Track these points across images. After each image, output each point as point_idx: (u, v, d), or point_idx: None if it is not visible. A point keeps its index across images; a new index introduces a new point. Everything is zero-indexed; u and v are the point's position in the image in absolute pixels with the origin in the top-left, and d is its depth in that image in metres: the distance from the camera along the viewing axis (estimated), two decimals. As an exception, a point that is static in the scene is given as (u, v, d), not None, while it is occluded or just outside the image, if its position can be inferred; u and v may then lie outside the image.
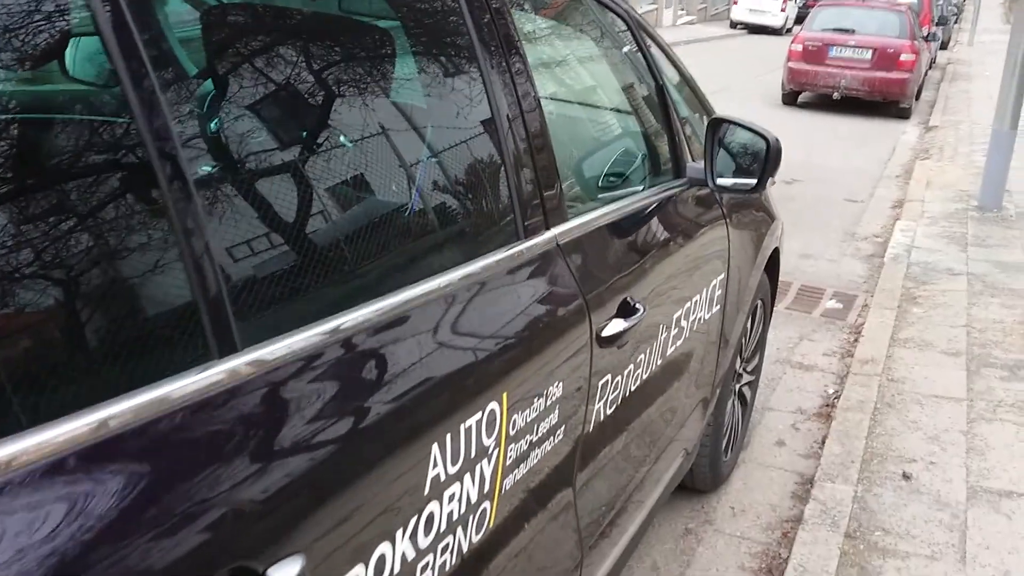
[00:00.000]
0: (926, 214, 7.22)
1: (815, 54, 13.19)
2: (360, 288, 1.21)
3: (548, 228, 1.65)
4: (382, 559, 1.13)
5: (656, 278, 2.10)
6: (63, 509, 0.77)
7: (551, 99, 2.10)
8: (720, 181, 2.38)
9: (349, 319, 1.14)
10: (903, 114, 13.19)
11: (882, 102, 13.20)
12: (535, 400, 1.50)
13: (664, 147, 2.41)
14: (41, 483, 0.77)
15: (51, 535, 0.75)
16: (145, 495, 0.84)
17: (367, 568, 1.10)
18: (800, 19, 28.93)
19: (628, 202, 2.08)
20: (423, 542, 1.22)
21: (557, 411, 1.60)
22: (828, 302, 5.47)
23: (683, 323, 2.33)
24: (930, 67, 19.55)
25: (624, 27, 2.29)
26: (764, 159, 2.36)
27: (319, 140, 1.25)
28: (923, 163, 9.49)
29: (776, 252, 3.33)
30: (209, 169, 1.05)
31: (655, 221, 2.20)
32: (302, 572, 0.95)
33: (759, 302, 3.30)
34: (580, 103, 2.35)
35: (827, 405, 4.07)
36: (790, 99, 13.77)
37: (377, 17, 1.47)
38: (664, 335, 2.18)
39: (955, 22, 33.84)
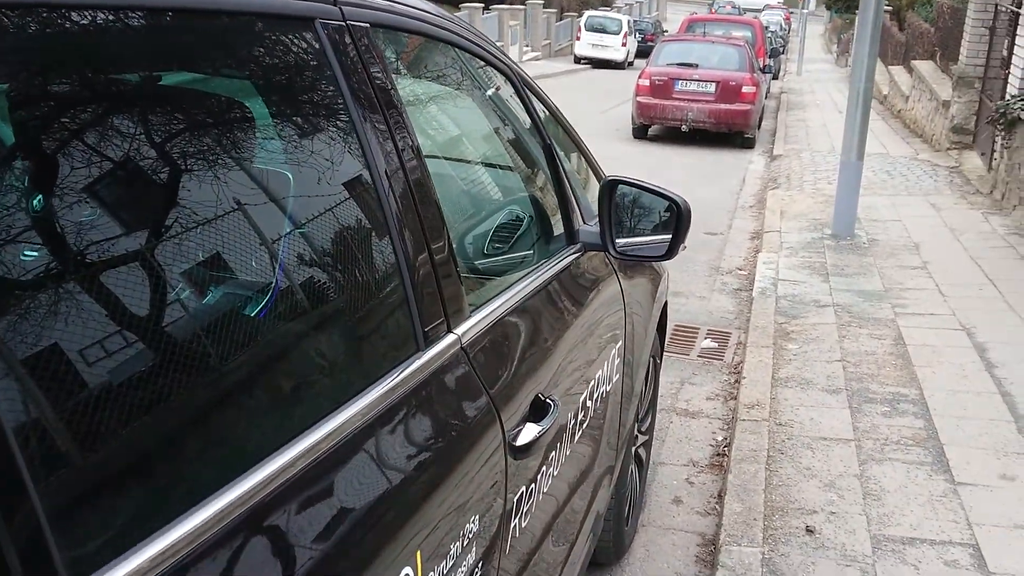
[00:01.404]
0: (785, 244, 7.36)
1: (662, 88, 13.49)
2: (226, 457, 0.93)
3: (449, 330, 1.41)
4: None
5: (563, 363, 1.88)
6: None
7: (439, 162, 1.86)
8: (621, 246, 2.19)
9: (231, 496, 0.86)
10: (748, 144, 13.64)
11: (728, 133, 13.62)
12: (452, 545, 1.24)
13: (555, 212, 2.21)
14: None
15: None
16: None
17: None
18: (641, 53, 29.90)
19: (524, 282, 1.85)
20: None
21: (474, 549, 1.34)
22: (703, 341, 5.42)
23: (588, 404, 2.12)
24: (766, 97, 20.45)
25: (510, 84, 2.08)
26: (676, 224, 2.19)
27: (165, 236, 0.96)
28: (774, 192, 9.75)
29: (665, 306, 3.19)
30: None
31: (554, 298, 1.99)
32: None
33: (651, 359, 3.14)
34: (466, 163, 2.13)
35: (718, 454, 3.96)
36: (640, 133, 14.03)
37: (238, 87, 1.19)
38: (574, 422, 1.97)
39: (782, 52, 35.76)
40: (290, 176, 1.23)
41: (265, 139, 1.20)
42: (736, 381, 4.71)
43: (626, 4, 46.30)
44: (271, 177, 1.18)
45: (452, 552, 1.24)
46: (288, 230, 1.19)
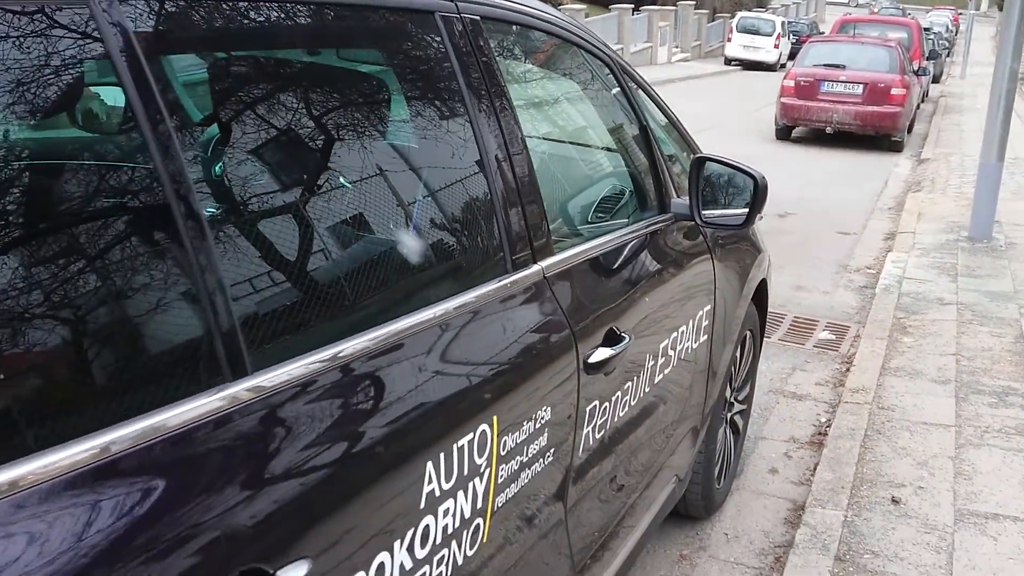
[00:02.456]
0: (917, 245, 7.34)
1: (807, 89, 13.40)
2: (360, 318, 1.32)
3: (535, 262, 1.76)
4: (381, 567, 1.22)
5: (642, 309, 2.20)
6: (86, 519, 0.87)
7: (541, 140, 2.21)
8: (706, 217, 2.49)
9: (348, 346, 1.25)
10: (895, 147, 13.37)
11: (875, 136, 13.39)
12: (524, 423, 1.59)
13: (649, 184, 2.52)
14: (72, 493, 0.87)
15: (79, 540, 0.85)
16: (172, 504, 0.94)
17: (367, 575, 1.19)
18: (793, 55, 29.36)
19: (613, 236, 2.19)
20: (420, 553, 1.31)
21: (546, 435, 1.69)
22: (821, 333, 5.56)
23: (670, 352, 2.43)
24: (922, 100, 19.82)
25: (608, 71, 2.41)
26: (752, 196, 2.47)
27: (322, 182, 1.36)
28: (915, 195, 9.63)
29: (764, 283, 3.43)
30: (220, 210, 1.16)
31: (640, 254, 2.31)
32: (308, 575, 1.05)
33: (748, 332, 3.39)
34: (568, 143, 2.47)
35: (819, 433, 4.15)
36: (784, 134, 13.96)
37: (374, 65, 1.58)
38: (651, 364, 2.28)
39: (947, 56, 34.30)
40: (415, 136, 1.62)
41: (397, 106, 1.59)
42: (847, 370, 4.85)
43: (782, 5, 45.36)
44: (403, 135, 1.57)
45: (525, 428, 1.59)
46: (421, 180, 1.59)
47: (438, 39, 1.60)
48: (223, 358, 1.05)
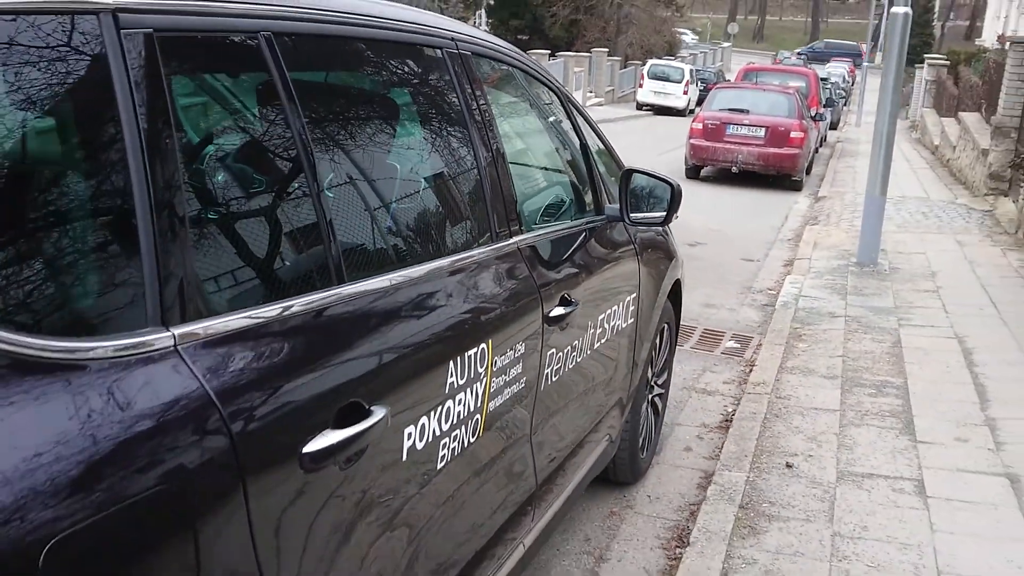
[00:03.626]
0: (812, 269, 8.15)
1: (714, 132, 14.37)
2: (413, 257, 1.88)
3: (511, 237, 2.33)
4: (423, 427, 1.75)
5: (585, 285, 2.77)
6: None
7: (510, 153, 2.79)
8: (633, 217, 3.10)
9: (413, 271, 1.81)
10: (795, 186, 14.40)
11: (776, 175, 14.41)
12: (508, 351, 2.15)
13: (588, 191, 3.12)
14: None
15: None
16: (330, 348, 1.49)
17: (416, 428, 1.72)
18: (701, 101, 30.77)
19: (562, 227, 2.77)
20: (443, 427, 1.84)
21: (521, 364, 2.24)
22: (728, 342, 6.24)
23: (605, 325, 3.01)
24: (821, 144, 21.13)
25: (557, 99, 3.02)
26: (670, 200, 3.09)
27: (376, 172, 1.92)
28: (812, 227, 10.53)
29: (678, 283, 4.05)
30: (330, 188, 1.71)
31: (583, 244, 2.90)
32: (386, 416, 1.57)
33: (665, 325, 4.01)
34: (528, 153, 3.05)
35: (726, 420, 4.78)
36: (693, 173, 14.89)
37: (401, 86, 2.15)
38: (592, 331, 2.85)
39: (844, 104, 36.32)
40: (425, 142, 2.18)
41: (417, 116, 2.16)
42: (750, 371, 5.52)
43: (690, 54, 47.34)
44: (416, 140, 2.13)
45: (508, 355, 2.14)
46: (436, 170, 2.16)
47: (443, 68, 2.17)
48: (335, 272, 1.60)
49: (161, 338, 1.21)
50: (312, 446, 1.39)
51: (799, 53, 58.72)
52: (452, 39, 2.25)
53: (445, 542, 1.98)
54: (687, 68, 32.59)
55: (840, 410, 4.69)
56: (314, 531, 1.43)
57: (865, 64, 37.08)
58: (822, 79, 29.39)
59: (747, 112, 14.52)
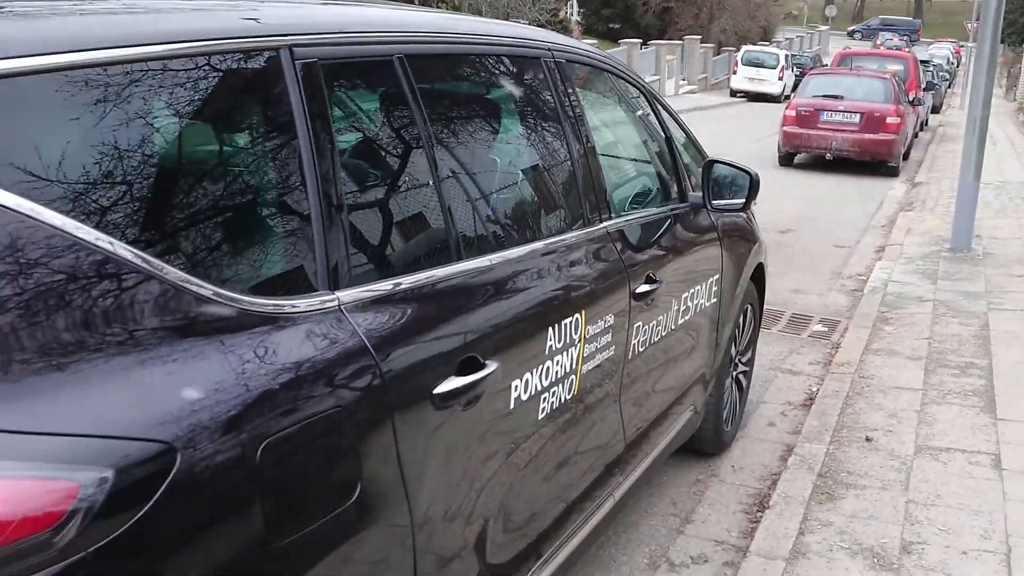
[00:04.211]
0: (904, 255, 8.20)
1: (808, 119, 14.33)
2: (515, 240, 2.23)
3: (602, 222, 2.64)
4: (527, 382, 2.08)
5: (669, 266, 3.06)
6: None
7: (600, 147, 3.09)
8: (715, 203, 3.37)
9: (508, 252, 2.14)
10: (891, 172, 14.26)
11: (871, 161, 14.28)
12: (599, 321, 2.46)
13: (672, 181, 3.40)
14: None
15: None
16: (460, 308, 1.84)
17: (521, 382, 2.05)
18: (797, 87, 30.34)
19: (649, 213, 3.07)
20: (544, 383, 2.17)
21: (611, 335, 2.55)
22: (815, 326, 6.40)
23: (689, 303, 3.29)
24: (921, 129, 20.73)
25: (643, 97, 3.31)
26: (748, 188, 3.36)
27: (489, 170, 2.27)
28: (906, 214, 10.50)
29: (760, 267, 4.28)
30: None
31: (668, 227, 3.19)
32: (497, 369, 1.90)
33: (748, 306, 4.25)
34: (617, 148, 3.34)
35: (810, 399, 4.98)
36: (786, 160, 14.87)
37: (510, 89, 2.49)
38: (675, 307, 3.14)
39: (948, 87, 35.29)
40: (528, 139, 2.51)
41: (516, 120, 2.49)
42: (835, 352, 5.69)
43: (786, 39, 46.53)
44: (521, 138, 2.47)
45: (599, 324, 2.45)
46: (539, 163, 2.49)
47: (543, 73, 2.50)
48: (455, 251, 1.94)
49: (331, 299, 1.56)
50: (440, 388, 1.73)
51: (852, 31, 56.76)
52: (548, 49, 2.57)
53: (543, 489, 2.31)
54: (782, 53, 32.17)
55: (923, 389, 4.84)
56: (441, 460, 1.77)
57: (970, 45, 35.88)
58: (923, 62, 28.64)
59: (841, 98, 14.43)
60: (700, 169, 3.46)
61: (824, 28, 59.48)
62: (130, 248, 1.27)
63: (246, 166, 1.55)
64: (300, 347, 1.45)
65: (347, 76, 1.79)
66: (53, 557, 1.07)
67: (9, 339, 1.12)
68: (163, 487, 1.18)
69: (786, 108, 14.97)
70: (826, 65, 31.46)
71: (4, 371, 1.10)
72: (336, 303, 1.57)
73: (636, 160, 3.39)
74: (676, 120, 3.55)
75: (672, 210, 3.29)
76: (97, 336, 1.21)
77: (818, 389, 5.07)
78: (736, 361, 4.27)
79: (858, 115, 14.08)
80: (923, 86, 20.89)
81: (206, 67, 1.46)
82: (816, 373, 5.41)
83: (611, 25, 39.08)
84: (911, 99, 16.64)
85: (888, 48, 36.86)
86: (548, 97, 2.52)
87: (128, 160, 1.32)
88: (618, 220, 2.77)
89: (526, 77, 2.50)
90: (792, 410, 4.85)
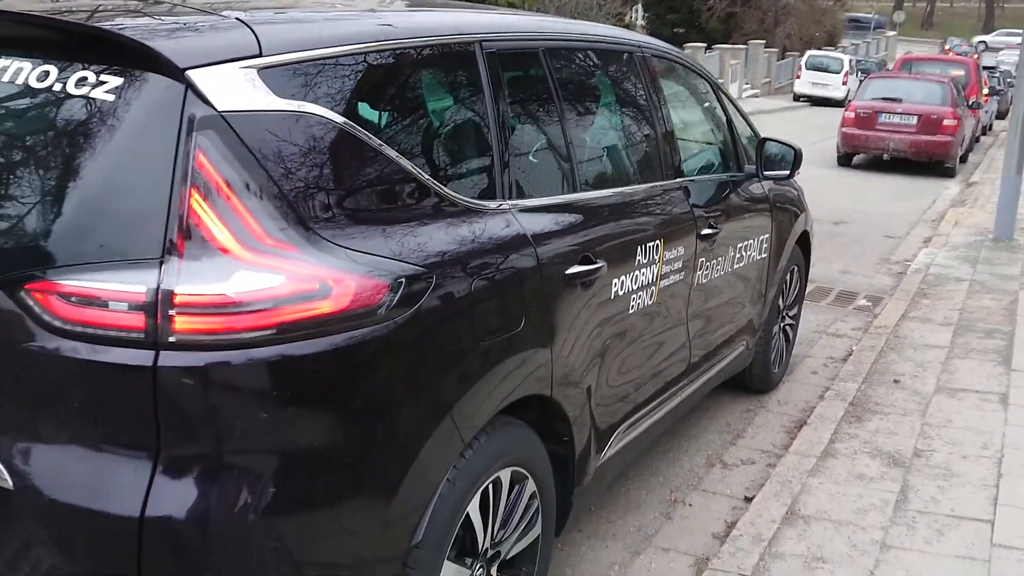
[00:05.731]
0: (948, 244, 8.84)
1: (866, 120, 14.91)
2: (617, 182, 3.08)
3: (677, 178, 3.47)
4: (623, 282, 2.91)
5: (728, 219, 3.87)
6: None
7: (676, 124, 3.92)
8: (766, 173, 4.18)
9: (613, 190, 2.99)
10: (947, 173, 14.77)
11: (928, 162, 14.81)
12: (673, 250, 3.28)
13: (731, 154, 4.21)
14: None
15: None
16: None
17: (621, 277, 2.88)
18: (860, 91, 30.66)
19: (714, 176, 3.89)
20: (633, 286, 3.00)
21: (681, 262, 3.37)
22: (860, 301, 7.12)
23: (743, 253, 4.09)
24: (983, 133, 21.07)
25: (710, 87, 4.14)
26: (793, 160, 4.16)
27: (602, 127, 3.12)
28: (956, 209, 11.08)
29: (806, 234, 5.06)
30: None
31: (727, 189, 4.00)
32: (603, 266, 2.74)
33: (795, 267, 5.03)
34: (688, 126, 4.15)
35: (849, 354, 5.73)
36: (844, 160, 15.47)
37: (613, 76, 3.34)
38: (732, 254, 3.94)
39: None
40: (624, 114, 3.36)
41: (618, 98, 3.34)
42: (875, 319, 6.42)
43: (851, 44, 46.58)
44: (618, 112, 3.32)
45: (673, 252, 3.27)
46: (623, 133, 3.34)
47: (636, 64, 3.34)
48: (580, 184, 2.80)
49: (506, 204, 2.43)
50: (569, 270, 2.58)
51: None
52: (638, 46, 3.42)
53: (631, 370, 3.14)
54: (847, 58, 32.43)
55: (948, 347, 5.56)
56: (569, 320, 2.60)
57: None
58: (988, 67, 28.75)
59: (900, 100, 14.97)
60: (754, 146, 4.27)
61: (892, 34, 59.17)
62: (416, 167, 2.16)
63: (459, 119, 2.43)
64: (489, 229, 2.32)
65: (512, 61, 2.65)
66: (374, 320, 1.93)
67: (348, 203, 2.00)
68: (424, 296, 2.04)
69: (846, 110, 15.56)
70: (890, 70, 31.70)
71: (352, 222, 1.97)
72: (508, 207, 2.43)
73: (703, 135, 4.20)
74: (735, 106, 4.36)
75: (731, 177, 4.10)
76: (394, 208, 2.09)
77: (857, 348, 5.81)
78: (783, 314, 5.05)
79: (915, 117, 14.62)
80: (985, 91, 21.21)
81: (439, 52, 2.36)
82: (857, 336, 6.14)
83: (675, 29, 39.58)
84: (970, 103, 17.08)
85: (957, 54, 36.84)
86: (640, 82, 3.36)
87: (405, 111, 2.23)
88: (689, 179, 3.59)
89: (624, 68, 3.35)
90: (833, 363, 5.60)
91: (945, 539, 3.31)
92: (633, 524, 3.59)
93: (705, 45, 28.52)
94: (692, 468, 4.12)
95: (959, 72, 19.09)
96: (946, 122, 14.51)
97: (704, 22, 39.32)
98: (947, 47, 51.36)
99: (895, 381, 4.97)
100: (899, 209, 11.56)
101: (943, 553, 3.22)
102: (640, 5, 38.64)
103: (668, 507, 3.74)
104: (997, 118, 25.05)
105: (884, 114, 14.87)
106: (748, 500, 3.72)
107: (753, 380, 4.87)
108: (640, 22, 38.63)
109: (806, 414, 4.71)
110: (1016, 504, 3.57)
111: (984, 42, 59.63)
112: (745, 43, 32.86)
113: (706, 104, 4.20)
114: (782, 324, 5.06)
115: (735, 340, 4.29)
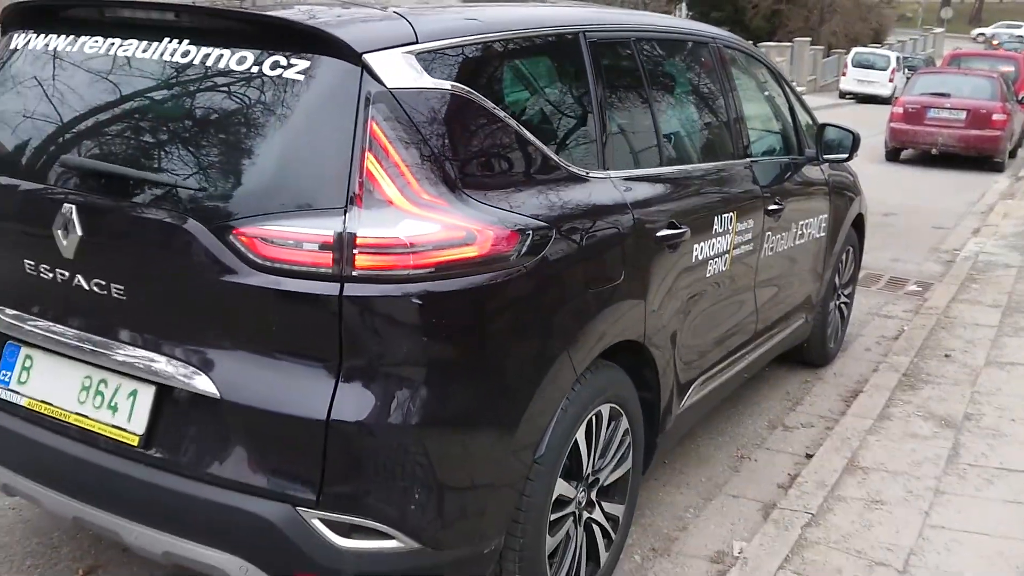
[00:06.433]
0: (997, 233, 9.03)
1: (915, 115, 15.05)
2: (696, 159, 3.43)
3: (744, 157, 3.80)
4: (702, 247, 3.25)
5: (791, 197, 4.19)
6: None
7: (746, 108, 4.24)
8: (825, 156, 4.50)
9: (694, 166, 3.34)
10: (996, 167, 14.86)
11: (977, 157, 14.91)
12: (743, 223, 3.61)
13: (794, 139, 4.53)
14: None
15: None
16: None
17: (701, 243, 3.22)
18: (907, 88, 30.55)
19: (777, 158, 4.22)
20: (711, 252, 3.33)
21: (750, 234, 3.70)
22: (910, 286, 7.37)
23: (804, 230, 4.40)
24: (1032, 129, 20.99)
25: (775, 77, 4.46)
26: (851, 144, 4.48)
27: (684, 108, 3.48)
28: (1006, 202, 11.23)
29: (860, 217, 5.35)
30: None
31: (790, 170, 4.32)
32: (687, 231, 3.08)
33: (850, 248, 5.32)
34: (755, 111, 4.47)
35: (901, 333, 6.00)
36: (893, 156, 15.61)
37: (694, 65, 3.69)
38: (794, 229, 4.26)
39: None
40: (701, 98, 3.71)
41: (696, 84, 3.68)
42: (926, 302, 6.68)
43: (898, 42, 46.25)
44: (696, 97, 3.66)
45: (743, 225, 3.60)
46: (701, 116, 3.69)
47: (710, 54, 3.69)
48: (664, 159, 3.15)
49: (603, 174, 2.78)
50: (659, 233, 2.93)
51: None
52: (713, 38, 3.77)
53: (708, 328, 3.48)
54: (893, 55, 32.30)
55: (997, 326, 5.82)
56: (659, 278, 2.96)
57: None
58: (1039, 63, 28.45)
59: (949, 96, 15.09)
60: (815, 131, 4.59)
61: (939, 30, 58.57)
62: (537, 139, 2.53)
63: (570, 99, 2.80)
64: (595, 193, 2.68)
65: (610, 49, 3.01)
66: (507, 264, 2.28)
67: (484, 166, 2.37)
68: (547, 246, 2.40)
69: (894, 105, 15.70)
70: (937, 66, 31.54)
71: (488, 183, 2.34)
72: (608, 176, 2.79)
73: (768, 120, 4.52)
74: (796, 95, 4.68)
75: (793, 159, 4.42)
76: (520, 173, 2.46)
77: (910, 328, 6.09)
78: (839, 292, 5.35)
79: (964, 112, 14.73)
80: (1037, 87, 21.14)
81: (553, 41, 2.76)
82: (908, 317, 6.41)
83: (720, 27, 39.71)
84: (1020, 98, 17.11)
85: (1005, 50, 36.50)
86: (714, 70, 3.71)
87: (527, 91, 2.62)
88: (756, 159, 3.93)
89: (702, 58, 3.70)
90: (885, 341, 5.88)
91: (994, 487, 3.61)
92: (704, 475, 3.93)
93: (751, 43, 28.62)
94: (756, 429, 4.44)
95: (1008, 68, 19.10)
96: (995, 117, 14.60)
97: (749, 20, 39.35)
98: (995, 42, 50.72)
99: (946, 355, 5.24)
100: (948, 202, 11.73)
101: (992, 498, 3.52)
102: (684, 3, 38.78)
103: (735, 462, 4.08)
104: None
105: (933, 109, 14.99)
106: (809, 457, 4.04)
107: (811, 353, 5.17)
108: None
109: (861, 385, 5.01)
110: (1062, 460, 3.85)
111: (983, 33, 59.72)
112: (790, 40, 32.88)
113: (771, 92, 4.53)
114: (838, 302, 5.35)
115: (795, 313, 4.60)
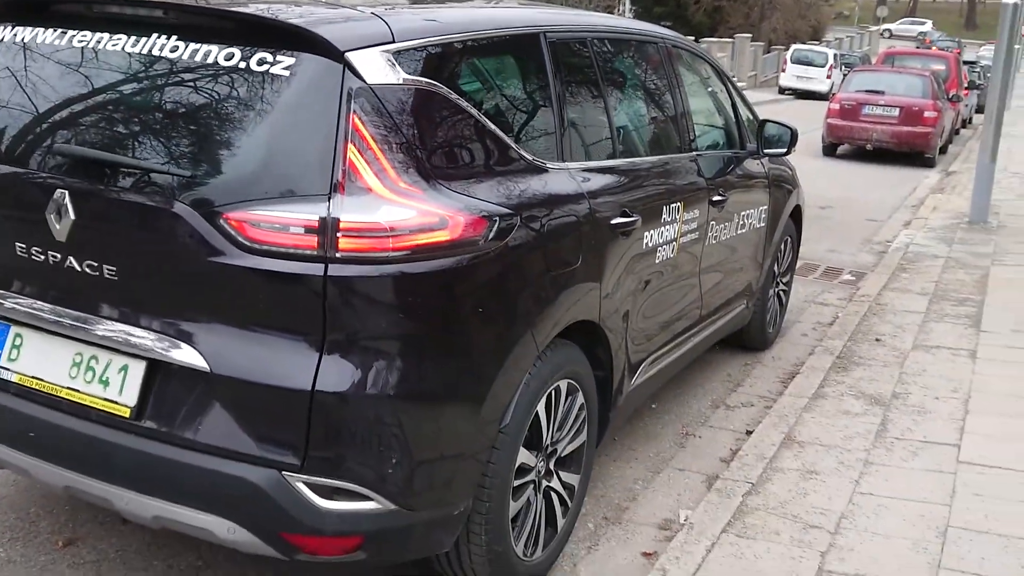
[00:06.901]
0: (927, 226, 9.46)
1: (850, 112, 15.56)
2: (645, 152, 3.64)
3: (690, 151, 4.04)
4: (652, 235, 3.47)
5: (733, 189, 4.44)
6: None
7: (691, 103, 4.46)
8: (765, 151, 4.76)
9: (645, 159, 3.56)
10: (927, 163, 15.44)
11: (909, 153, 15.47)
12: (690, 212, 3.84)
13: (736, 134, 4.79)
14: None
15: None
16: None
17: (651, 231, 3.44)
18: (844, 85, 31.39)
19: (721, 152, 4.47)
20: (660, 240, 3.56)
21: (696, 223, 3.94)
22: (845, 275, 7.73)
23: (745, 220, 4.66)
24: (963, 126, 21.79)
25: (718, 75, 4.71)
26: (790, 138, 4.76)
27: (633, 104, 3.69)
28: (935, 196, 11.73)
29: (798, 208, 5.64)
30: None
31: (732, 163, 4.58)
32: (638, 219, 3.30)
33: (788, 238, 5.61)
34: (699, 108, 4.71)
35: (835, 319, 6.33)
36: (829, 151, 16.12)
37: (640, 66, 3.90)
38: (736, 220, 4.52)
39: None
40: (649, 94, 3.93)
41: (644, 80, 3.90)
42: (858, 290, 7.03)
43: (836, 39, 47.34)
44: (644, 92, 3.89)
45: (690, 215, 3.83)
46: (648, 111, 3.91)
47: (659, 53, 3.92)
48: (617, 151, 3.36)
49: (561, 165, 2.98)
50: (613, 221, 3.14)
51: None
52: (662, 37, 3.99)
53: (656, 312, 3.70)
54: (831, 52, 33.14)
55: (925, 312, 6.17)
56: (613, 264, 3.17)
57: (1017, 46, 36.46)
58: (969, 63, 29.49)
59: (883, 93, 15.63)
60: (756, 127, 4.85)
61: (875, 28, 60.03)
62: (502, 132, 2.72)
63: (531, 95, 2.99)
64: (554, 183, 2.88)
65: (568, 48, 3.21)
66: (476, 248, 2.47)
67: (455, 157, 2.56)
68: (512, 232, 2.60)
69: (831, 102, 16.21)
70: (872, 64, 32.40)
71: (458, 173, 2.52)
72: (567, 167, 3.00)
73: (712, 116, 4.77)
74: (738, 92, 4.94)
75: (735, 153, 4.68)
76: (487, 164, 2.65)
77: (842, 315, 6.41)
78: (778, 280, 5.64)
79: (897, 109, 15.28)
80: (965, 85, 21.92)
81: (517, 40, 2.95)
82: (842, 305, 6.75)
83: (663, 23, 40.22)
84: (950, 96, 17.76)
85: (938, 48, 37.61)
86: (662, 69, 3.93)
87: (493, 87, 2.81)
88: (702, 152, 4.17)
89: (652, 57, 3.93)
90: (821, 327, 6.20)
91: (918, 458, 3.91)
92: (652, 451, 4.17)
93: (692, 39, 29.09)
94: (699, 409, 4.70)
95: (940, 66, 19.79)
96: (927, 114, 15.17)
97: (691, 15, 39.97)
98: (928, 39, 52.07)
99: (876, 340, 5.57)
100: (881, 196, 12.20)
101: (917, 468, 3.82)
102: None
103: (681, 438, 4.33)
104: (976, 111, 25.77)
105: (868, 106, 15.52)
106: (749, 433, 4.31)
107: (751, 338, 5.45)
108: (628, 15, 39.14)
109: (798, 367, 5.30)
110: (980, 433, 4.17)
111: (889, 30, 62.66)
112: (732, 37, 33.50)
113: (715, 89, 4.78)
114: (776, 289, 5.65)
115: (737, 300, 4.87)
